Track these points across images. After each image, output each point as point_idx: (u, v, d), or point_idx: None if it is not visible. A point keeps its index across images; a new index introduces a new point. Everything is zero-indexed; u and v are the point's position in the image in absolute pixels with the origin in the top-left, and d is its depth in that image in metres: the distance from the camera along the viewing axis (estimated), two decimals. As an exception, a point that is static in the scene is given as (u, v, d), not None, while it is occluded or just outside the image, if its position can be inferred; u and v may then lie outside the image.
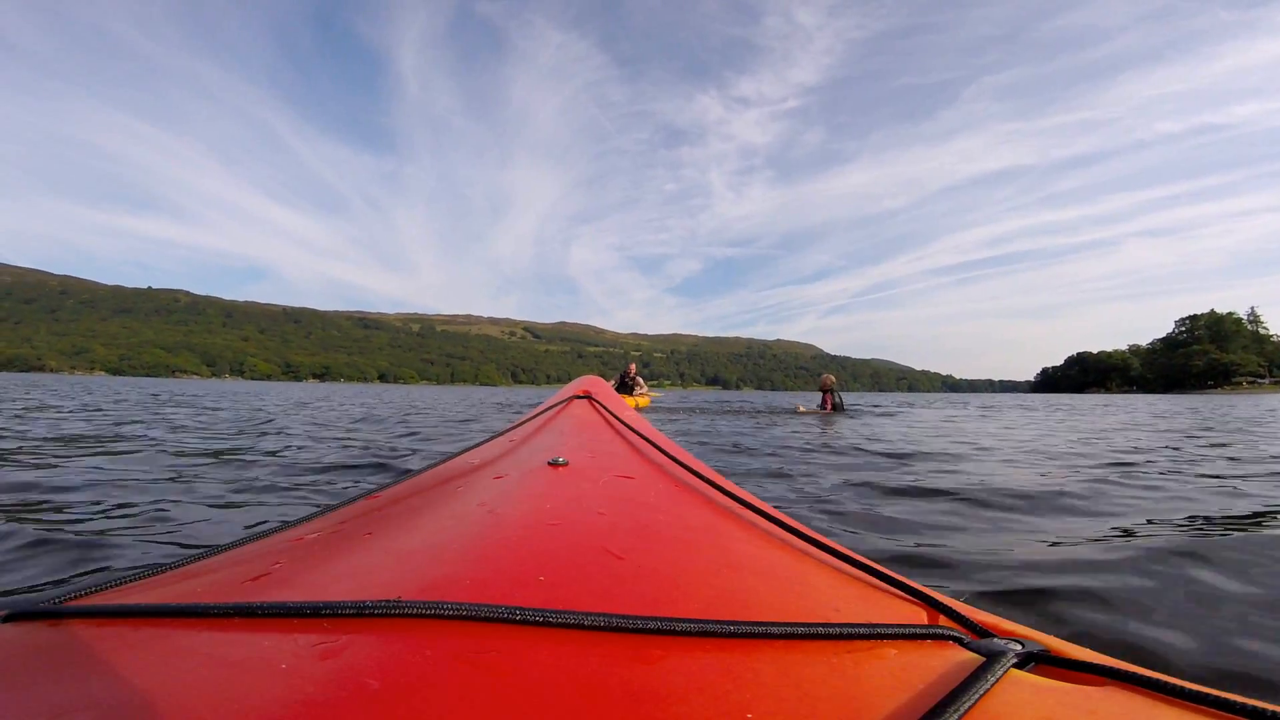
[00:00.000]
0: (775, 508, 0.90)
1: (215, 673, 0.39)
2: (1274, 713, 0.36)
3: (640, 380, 11.87)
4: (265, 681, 0.37)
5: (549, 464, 0.97)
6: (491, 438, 1.36)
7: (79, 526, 1.90)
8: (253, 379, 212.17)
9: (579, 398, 1.87)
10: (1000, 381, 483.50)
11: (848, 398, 23.30)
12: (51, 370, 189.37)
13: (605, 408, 1.73)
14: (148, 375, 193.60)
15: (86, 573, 1.46)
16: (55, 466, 3.06)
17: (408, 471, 0.93)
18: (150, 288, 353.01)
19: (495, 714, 0.34)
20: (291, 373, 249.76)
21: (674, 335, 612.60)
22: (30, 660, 0.44)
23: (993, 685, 0.39)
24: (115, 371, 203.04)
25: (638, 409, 9.88)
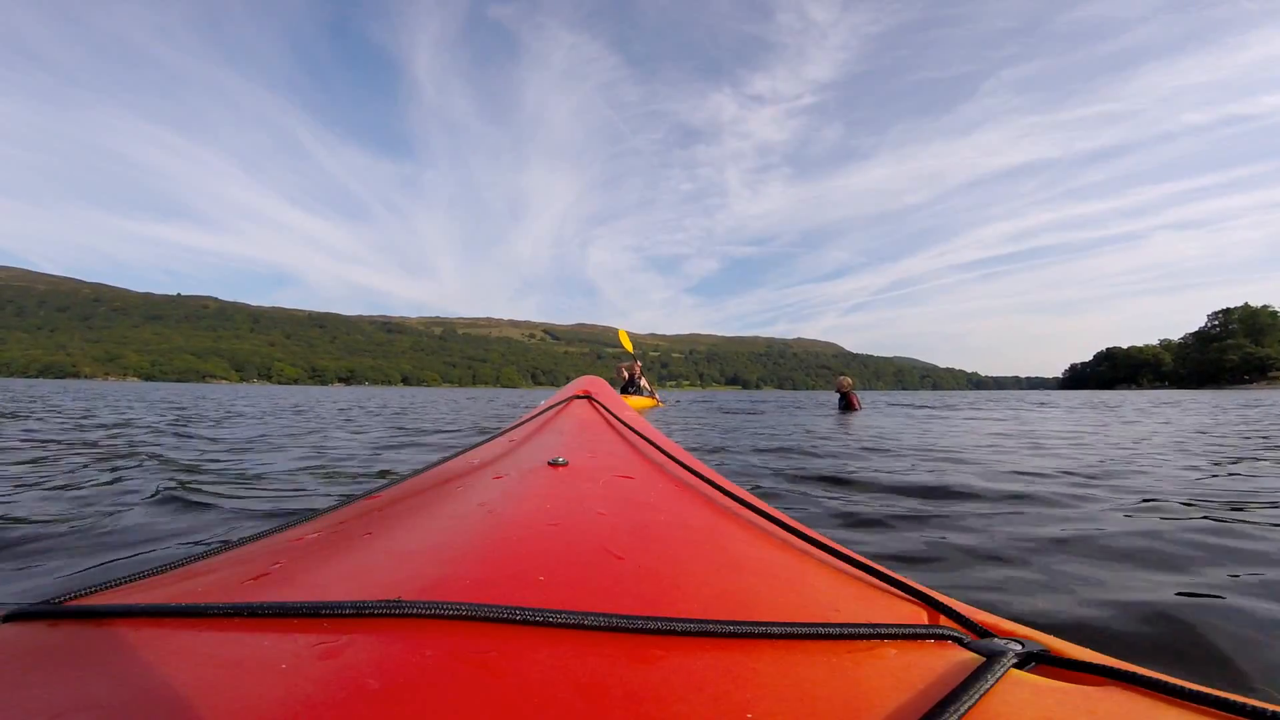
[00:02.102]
0: (775, 507, 0.89)
1: (215, 673, 0.39)
2: (1274, 713, 0.36)
3: (645, 381, 11.24)
4: (265, 681, 0.37)
5: (549, 464, 0.97)
6: (491, 438, 1.36)
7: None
8: (280, 383, 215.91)
9: (579, 398, 1.87)
10: (1028, 378, 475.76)
11: (867, 396, 23.27)
12: (86, 376, 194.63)
13: (605, 408, 1.72)
14: (178, 380, 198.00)
15: (89, 571, 1.46)
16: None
17: (408, 472, 1.02)
18: (180, 294, 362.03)
19: (495, 714, 0.34)
20: (317, 377, 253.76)
21: (693, 335, 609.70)
22: (30, 660, 0.44)
23: (993, 685, 0.39)
24: (147, 377, 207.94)
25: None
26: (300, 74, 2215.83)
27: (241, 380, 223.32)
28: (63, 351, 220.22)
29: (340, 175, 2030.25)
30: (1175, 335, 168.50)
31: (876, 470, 3.20)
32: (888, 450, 4.23)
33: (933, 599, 0.58)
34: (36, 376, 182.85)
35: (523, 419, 1.64)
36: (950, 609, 0.56)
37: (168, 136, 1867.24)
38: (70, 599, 0.55)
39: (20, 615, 0.51)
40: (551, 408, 1.77)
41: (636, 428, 1.44)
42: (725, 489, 0.92)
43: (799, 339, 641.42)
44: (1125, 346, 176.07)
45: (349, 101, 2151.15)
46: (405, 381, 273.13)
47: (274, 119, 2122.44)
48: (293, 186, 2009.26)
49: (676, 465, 1.09)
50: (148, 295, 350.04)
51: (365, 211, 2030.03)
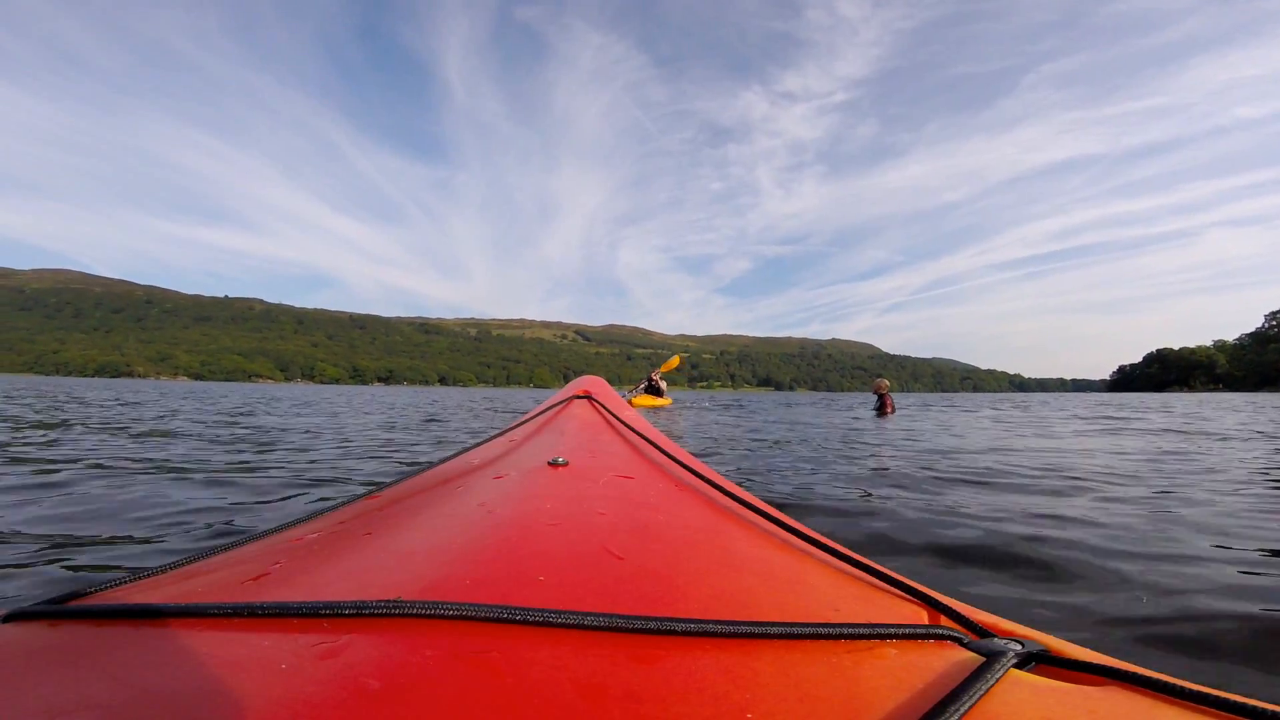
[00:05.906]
0: (775, 508, 0.89)
1: (215, 673, 0.39)
2: (1274, 713, 0.36)
3: (662, 384, 14.49)
4: (265, 681, 0.37)
5: (549, 464, 0.97)
6: (491, 438, 1.36)
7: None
8: (322, 383, 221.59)
9: (579, 398, 1.87)
10: (1073, 380, 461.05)
11: (904, 399, 23.00)
12: (139, 376, 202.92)
13: (605, 408, 1.72)
14: (226, 380, 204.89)
15: (87, 572, 1.46)
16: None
17: (408, 472, 0.96)
18: (227, 296, 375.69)
19: (495, 714, 0.34)
20: (358, 377, 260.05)
21: (724, 336, 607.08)
22: (30, 660, 0.44)
23: (993, 685, 0.39)
24: (197, 377, 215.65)
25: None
26: (334, 78, 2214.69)
27: (286, 380, 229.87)
28: (117, 352, 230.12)
29: (375, 178, 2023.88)
30: (1230, 336, 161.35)
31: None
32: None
33: (933, 599, 0.58)
34: (93, 375, 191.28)
35: (523, 419, 1.64)
36: (950, 609, 0.56)
37: (209, 141, 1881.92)
38: (70, 599, 0.55)
39: (20, 615, 0.51)
40: (551, 408, 1.77)
41: (637, 428, 1.45)
42: (725, 489, 0.92)
43: (834, 340, 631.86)
44: (1176, 347, 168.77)
45: (382, 105, 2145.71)
46: (442, 382, 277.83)
47: (310, 123, 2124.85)
48: (330, 190, 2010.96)
49: (676, 465, 1.09)
50: (197, 297, 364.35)
51: (400, 214, 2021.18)
